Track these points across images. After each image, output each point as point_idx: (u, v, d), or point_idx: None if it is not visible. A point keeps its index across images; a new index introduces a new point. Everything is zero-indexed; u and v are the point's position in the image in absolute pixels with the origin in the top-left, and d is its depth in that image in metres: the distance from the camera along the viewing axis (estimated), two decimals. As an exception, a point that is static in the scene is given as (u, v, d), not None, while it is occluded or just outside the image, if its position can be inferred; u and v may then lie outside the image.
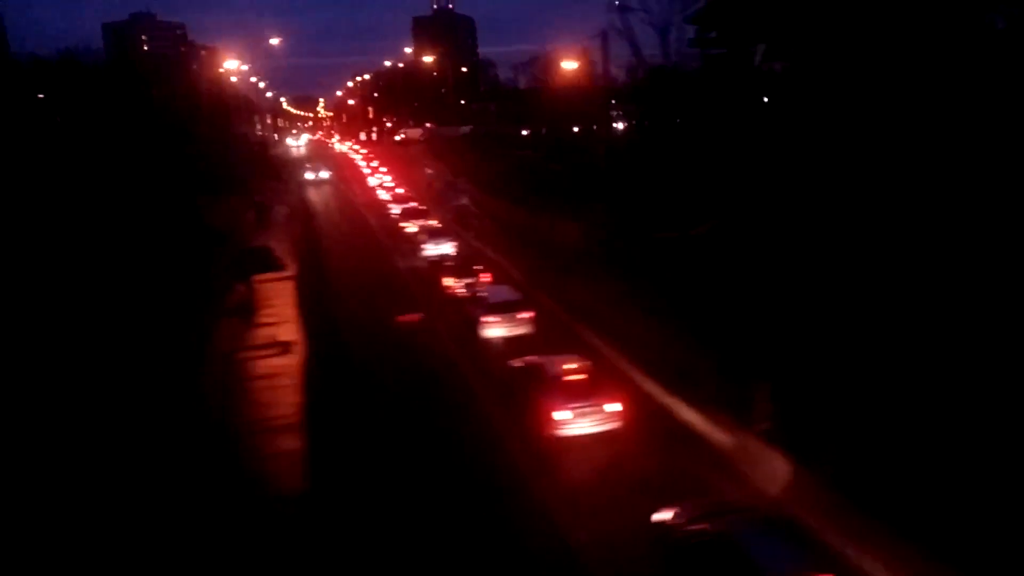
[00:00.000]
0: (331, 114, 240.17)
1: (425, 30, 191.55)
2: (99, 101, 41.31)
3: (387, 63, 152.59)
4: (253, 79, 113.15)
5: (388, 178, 68.15)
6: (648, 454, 17.12)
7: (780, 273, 20.99)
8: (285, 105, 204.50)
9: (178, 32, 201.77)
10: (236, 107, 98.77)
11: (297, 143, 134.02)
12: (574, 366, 19.04)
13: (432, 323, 27.68)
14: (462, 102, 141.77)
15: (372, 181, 70.89)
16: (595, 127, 53.24)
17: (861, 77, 25.46)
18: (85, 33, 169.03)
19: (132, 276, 24.58)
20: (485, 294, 26.62)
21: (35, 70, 64.97)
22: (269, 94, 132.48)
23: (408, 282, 34.70)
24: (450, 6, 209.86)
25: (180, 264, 28.22)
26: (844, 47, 26.62)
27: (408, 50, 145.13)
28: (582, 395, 18.01)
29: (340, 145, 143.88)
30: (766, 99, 36.17)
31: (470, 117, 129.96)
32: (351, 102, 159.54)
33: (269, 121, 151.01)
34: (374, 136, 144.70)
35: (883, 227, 20.88)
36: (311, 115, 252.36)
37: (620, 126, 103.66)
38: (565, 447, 17.62)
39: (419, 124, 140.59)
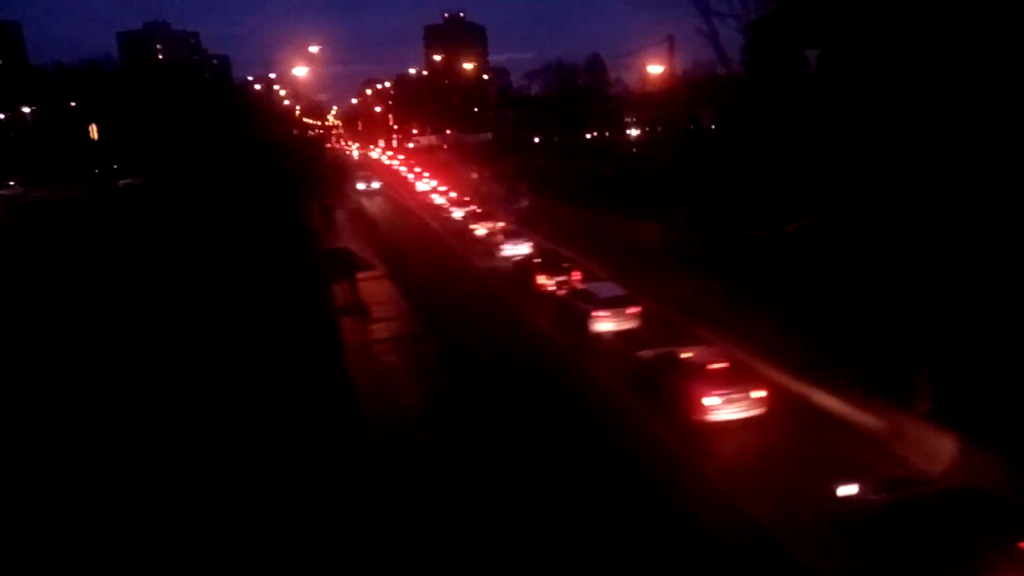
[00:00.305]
0: (339, 122, 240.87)
1: (438, 38, 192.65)
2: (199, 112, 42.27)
3: (412, 70, 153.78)
4: (275, 87, 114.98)
5: (435, 182, 68.91)
6: (799, 437, 17.77)
7: (902, 263, 21.55)
8: (297, 112, 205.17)
9: (192, 41, 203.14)
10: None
11: None
12: (698, 354, 19.95)
13: (535, 317, 28.45)
14: (475, 109, 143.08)
15: (421, 186, 71.57)
16: (660, 128, 53.78)
17: (921, 74, 25.86)
18: (99, 42, 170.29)
19: (258, 276, 25.46)
20: (589, 289, 27.26)
21: (63, 79, 66.00)
22: (287, 102, 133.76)
23: (492, 280, 35.44)
24: (461, 15, 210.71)
25: (289, 265, 29.06)
26: (904, 47, 27.10)
27: (437, 57, 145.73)
28: (729, 382, 18.72)
29: (358, 153, 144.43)
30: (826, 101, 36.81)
31: (487, 124, 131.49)
32: (377, 109, 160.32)
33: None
34: (394, 143, 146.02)
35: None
36: (320, 123, 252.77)
37: (635, 132, 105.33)
38: (715, 431, 18.29)
39: (436, 131, 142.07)
